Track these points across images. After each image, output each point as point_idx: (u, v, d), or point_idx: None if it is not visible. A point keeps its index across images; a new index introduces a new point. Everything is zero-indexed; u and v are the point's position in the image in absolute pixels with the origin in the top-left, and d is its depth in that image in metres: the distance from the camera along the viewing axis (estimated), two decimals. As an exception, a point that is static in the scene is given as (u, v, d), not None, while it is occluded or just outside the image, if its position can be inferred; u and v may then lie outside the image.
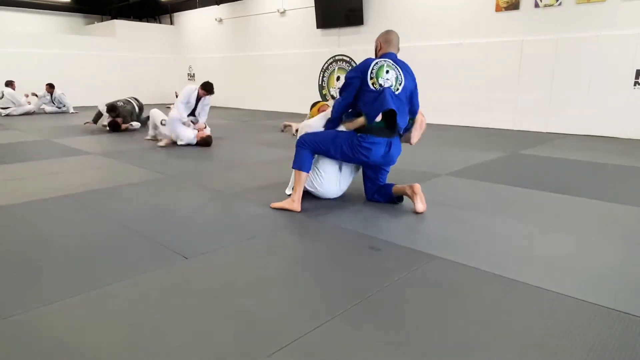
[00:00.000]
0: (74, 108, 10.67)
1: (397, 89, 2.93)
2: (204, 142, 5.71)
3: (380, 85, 2.88)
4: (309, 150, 3.03)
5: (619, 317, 1.65)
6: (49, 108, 10.28)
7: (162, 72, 13.86)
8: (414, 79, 3.05)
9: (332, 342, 1.50)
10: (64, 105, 10.43)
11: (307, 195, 3.35)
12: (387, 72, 2.91)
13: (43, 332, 1.57)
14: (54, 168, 4.37)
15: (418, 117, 3.07)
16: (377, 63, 2.94)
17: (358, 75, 2.95)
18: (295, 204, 2.98)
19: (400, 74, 2.96)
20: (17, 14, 13.22)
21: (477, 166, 4.40)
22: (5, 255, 2.25)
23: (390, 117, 2.89)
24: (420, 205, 2.89)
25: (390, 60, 2.98)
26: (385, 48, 3.07)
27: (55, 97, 10.30)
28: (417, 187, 2.93)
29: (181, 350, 1.46)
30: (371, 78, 2.89)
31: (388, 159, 3.04)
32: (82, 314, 1.69)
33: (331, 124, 3.18)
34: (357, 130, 2.96)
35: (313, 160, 3.12)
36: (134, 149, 5.49)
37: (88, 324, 1.63)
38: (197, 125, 5.80)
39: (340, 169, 3.20)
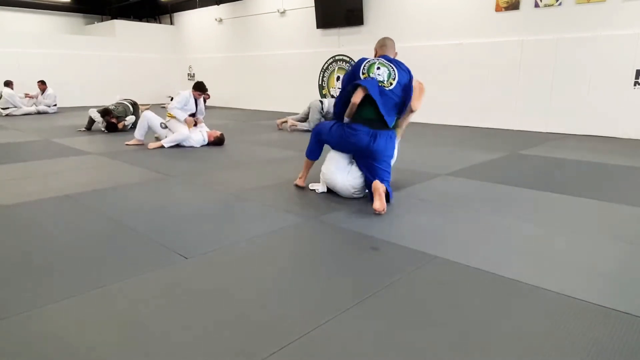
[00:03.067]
0: (71, 108, 10.64)
1: (391, 84, 3.07)
2: (218, 141, 5.76)
3: (372, 78, 3.06)
4: (317, 139, 3.37)
5: (619, 317, 1.65)
6: (41, 107, 10.19)
7: (162, 72, 13.86)
8: (408, 74, 3.17)
9: (332, 342, 1.50)
10: (55, 104, 10.36)
11: (309, 196, 3.35)
12: (379, 68, 3.08)
13: (43, 332, 1.57)
14: (54, 168, 4.37)
15: (415, 84, 3.09)
16: (368, 61, 3.15)
17: (350, 73, 3.20)
18: (300, 180, 3.53)
19: (393, 70, 3.10)
20: (17, 14, 13.21)
21: (477, 166, 4.40)
22: (5, 255, 2.25)
23: (375, 108, 3.05)
24: (376, 203, 2.86)
25: (382, 59, 3.15)
26: (380, 51, 3.29)
27: (47, 95, 10.24)
28: (375, 184, 2.96)
29: (181, 350, 1.46)
30: (363, 73, 3.10)
31: (371, 151, 3.07)
32: (82, 314, 1.69)
33: (336, 118, 3.40)
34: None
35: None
36: (133, 149, 5.49)
37: (88, 324, 1.63)
38: (199, 121, 5.78)
39: (350, 162, 3.27)
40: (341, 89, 3.28)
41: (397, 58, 3.23)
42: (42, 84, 10.22)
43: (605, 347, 1.46)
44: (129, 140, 5.88)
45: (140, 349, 1.47)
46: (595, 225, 2.69)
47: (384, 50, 3.26)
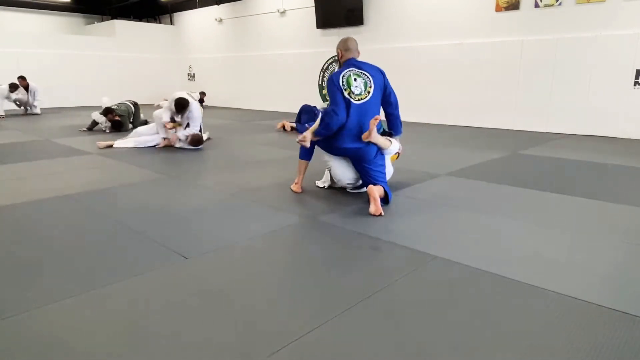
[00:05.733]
0: (71, 108, 10.56)
1: (369, 92, 3.14)
2: (194, 142, 5.41)
3: (353, 93, 3.11)
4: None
5: (620, 317, 1.65)
6: (35, 110, 9.71)
7: (162, 72, 13.85)
8: (381, 75, 3.25)
9: (332, 342, 1.50)
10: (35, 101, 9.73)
11: (309, 196, 3.35)
12: (355, 79, 3.15)
13: (43, 332, 1.57)
14: (54, 168, 4.37)
15: (371, 122, 3.06)
16: (343, 75, 3.18)
17: (332, 92, 3.15)
18: (296, 186, 3.44)
19: (368, 78, 3.17)
20: (17, 14, 13.21)
21: (477, 166, 4.40)
22: (5, 255, 2.25)
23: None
24: (371, 208, 2.91)
25: (354, 68, 3.21)
26: (346, 55, 3.32)
27: (30, 92, 9.65)
28: (370, 188, 2.99)
29: (181, 351, 1.46)
30: (345, 89, 3.13)
31: (356, 154, 3.13)
32: (81, 314, 1.69)
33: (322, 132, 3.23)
34: None
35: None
36: (133, 149, 5.49)
37: (87, 324, 1.63)
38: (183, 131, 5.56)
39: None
40: (332, 101, 3.16)
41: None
42: (23, 80, 9.46)
43: (606, 347, 1.46)
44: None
45: (139, 349, 1.47)
46: (595, 226, 2.69)
47: (348, 53, 3.29)
